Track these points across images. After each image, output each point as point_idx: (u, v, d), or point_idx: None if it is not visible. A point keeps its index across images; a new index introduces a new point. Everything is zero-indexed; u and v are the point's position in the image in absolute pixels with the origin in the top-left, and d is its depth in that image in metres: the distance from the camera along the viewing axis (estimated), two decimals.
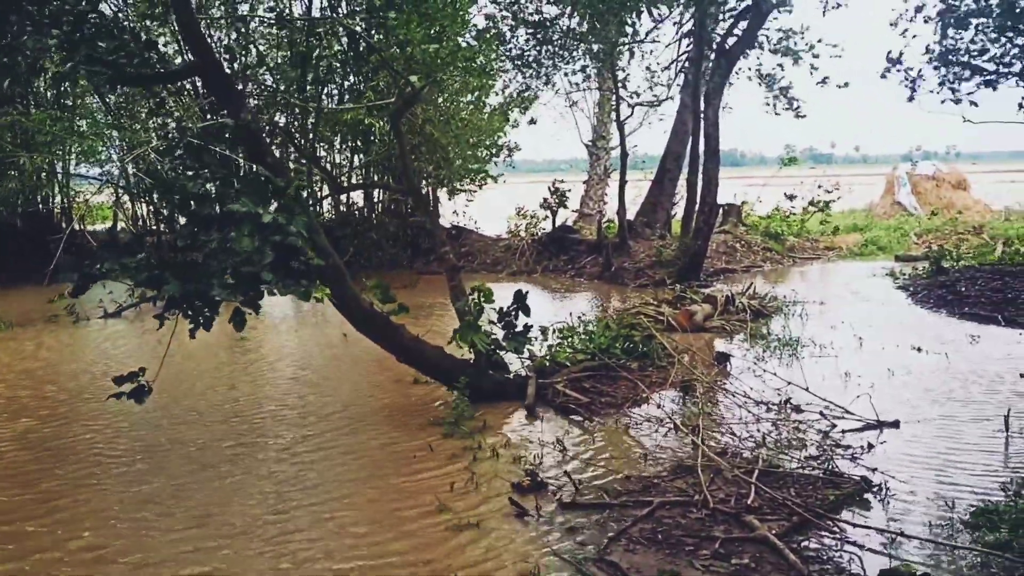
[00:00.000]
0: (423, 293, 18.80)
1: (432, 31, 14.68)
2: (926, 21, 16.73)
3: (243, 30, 21.28)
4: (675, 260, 20.44)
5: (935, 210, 31.34)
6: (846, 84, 20.46)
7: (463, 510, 6.79)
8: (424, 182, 23.77)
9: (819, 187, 27.93)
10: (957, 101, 16.40)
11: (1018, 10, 14.48)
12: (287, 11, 22.52)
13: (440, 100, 22.82)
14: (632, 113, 24.35)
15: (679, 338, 13.25)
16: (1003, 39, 15.18)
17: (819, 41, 20.29)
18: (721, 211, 26.60)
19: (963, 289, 16.61)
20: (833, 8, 18.78)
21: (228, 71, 12.13)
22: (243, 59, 20.98)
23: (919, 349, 12.32)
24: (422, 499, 7.07)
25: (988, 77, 15.41)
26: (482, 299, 10.29)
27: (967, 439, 8.36)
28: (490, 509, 6.82)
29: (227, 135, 8.19)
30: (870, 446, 8.17)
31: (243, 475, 7.78)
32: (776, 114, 21.40)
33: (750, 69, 21.29)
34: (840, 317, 15.00)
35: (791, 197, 27.59)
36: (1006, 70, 15.57)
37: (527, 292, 10.15)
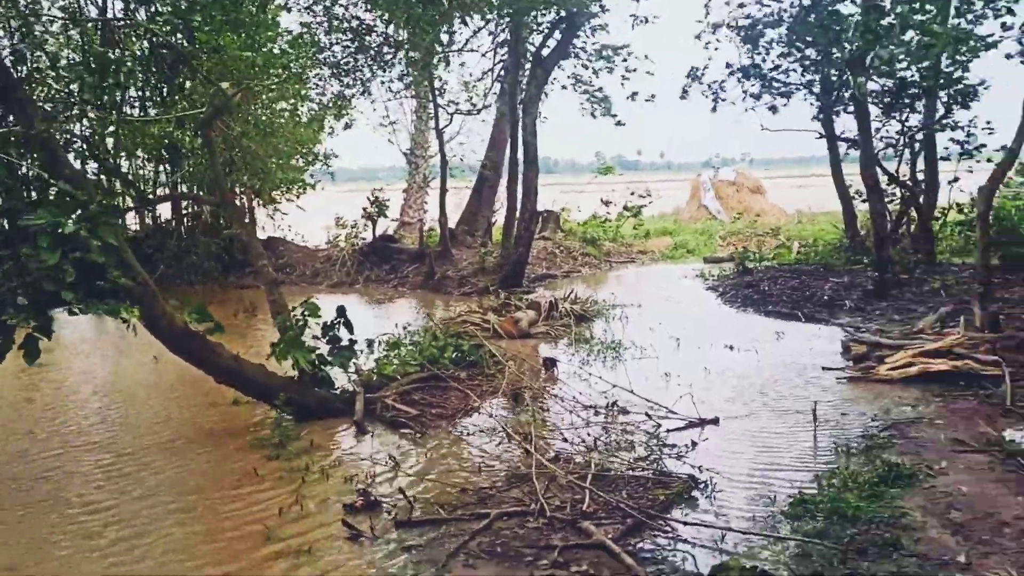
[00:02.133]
0: (241, 307, 17.94)
1: (244, 37, 14.10)
2: (731, 40, 17.77)
3: (31, 30, 19.58)
4: (498, 267, 20.59)
5: (737, 213, 33.27)
6: (652, 97, 21.34)
7: (293, 536, 6.42)
8: (239, 193, 22.80)
9: (632, 193, 29.01)
10: (773, 109, 17.50)
11: (812, 25, 15.55)
12: (81, 12, 20.97)
13: (256, 109, 22.01)
14: (450, 121, 24.37)
15: (506, 345, 13.30)
16: (793, 54, 16.29)
17: (630, 53, 21.01)
18: (540, 218, 27.16)
19: (766, 288, 17.67)
20: (641, 24, 19.47)
21: (15, 74, 11.07)
22: (33, 62, 19.31)
23: (731, 347, 12.93)
24: (248, 527, 6.64)
25: (783, 89, 16.52)
26: (307, 314, 9.88)
27: (781, 431, 8.80)
28: (322, 533, 6.49)
29: (18, 145, 7.42)
30: (694, 444, 8.43)
31: (51, 512, 7.04)
32: (593, 117, 21.98)
33: (569, 77, 21.77)
34: (657, 318, 15.55)
35: (607, 203, 28.51)
36: (797, 83, 16.74)
37: (343, 307, 9.89)
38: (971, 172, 19.20)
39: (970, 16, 17.88)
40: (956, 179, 19.41)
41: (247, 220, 23.84)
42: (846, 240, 21.30)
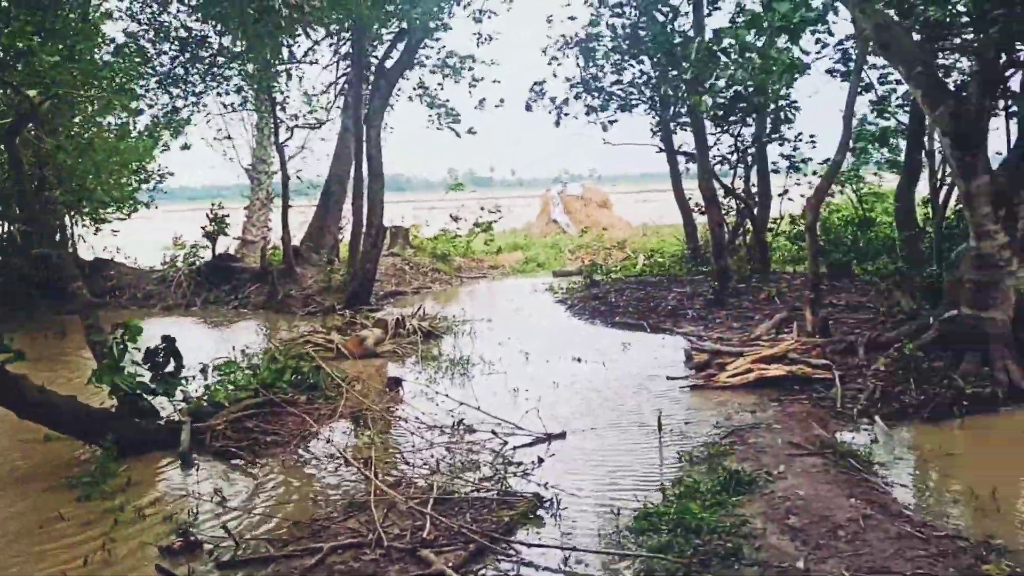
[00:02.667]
0: (65, 337, 16.62)
1: (61, 47, 13.01)
2: (577, 55, 17.94)
3: None
4: (345, 285, 19.99)
5: (585, 227, 33.83)
6: (502, 101, 21.29)
7: None
8: (56, 212, 21.20)
9: (482, 208, 28.98)
10: (608, 125, 17.79)
11: (644, 40, 15.88)
12: None
13: (75, 121, 20.59)
14: (291, 135, 23.54)
15: (350, 366, 12.82)
16: (630, 69, 16.62)
17: (476, 61, 20.95)
18: (389, 234, 26.68)
19: (613, 300, 17.88)
20: (485, 42, 19.44)
21: None
22: None
23: (580, 360, 12.92)
24: None
25: (623, 102, 16.81)
26: (126, 337, 9.12)
27: (627, 443, 8.75)
28: None
29: None
30: (540, 460, 8.25)
31: None
32: (438, 129, 21.78)
33: (414, 89, 21.49)
34: (507, 333, 15.42)
35: (456, 219, 28.35)
36: (636, 98, 17.08)
37: (171, 337, 9.21)
38: (798, 185, 20.17)
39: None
40: (786, 191, 20.33)
41: (59, 239, 22.32)
42: (688, 251, 21.94)
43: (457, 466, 8.18)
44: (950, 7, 10.73)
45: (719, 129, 18.03)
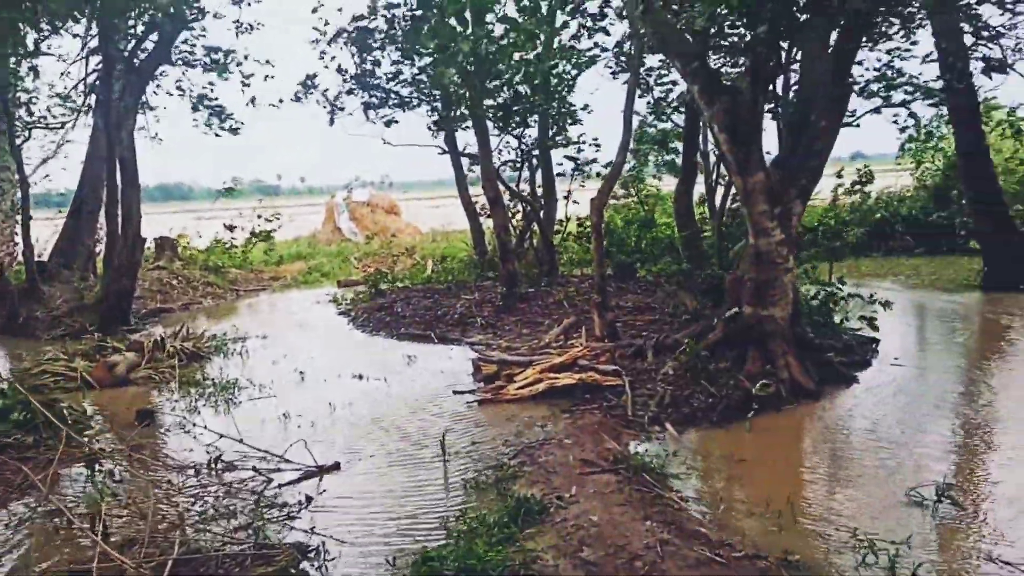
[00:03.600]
0: None
1: None
2: (351, 48, 16.84)
3: None
4: (99, 304, 17.83)
5: (371, 234, 32.74)
6: (281, 101, 19.84)
7: None
8: None
9: (259, 217, 27.22)
10: (390, 123, 16.85)
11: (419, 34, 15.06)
12: None
13: None
14: (28, 137, 20.82)
15: (97, 397, 11.17)
16: (407, 64, 15.79)
17: (246, 57, 19.37)
18: (155, 245, 24.48)
19: (400, 310, 16.97)
20: (246, 32, 17.95)
21: None
22: None
23: (360, 377, 11.92)
24: None
25: (401, 100, 15.95)
26: None
27: (409, 472, 7.88)
28: None
29: None
30: (309, 499, 7.22)
31: None
32: (207, 133, 19.99)
33: (176, 86, 19.59)
34: (283, 350, 14.16)
35: (231, 228, 26.42)
36: (416, 96, 16.28)
37: None
38: (583, 187, 20.16)
39: (568, 35, 18.74)
40: (570, 194, 20.25)
41: None
42: (476, 256, 21.40)
43: (208, 515, 6.97)
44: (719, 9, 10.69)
45: (502, 131, 17.60)
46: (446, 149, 18.12)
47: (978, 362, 11.25)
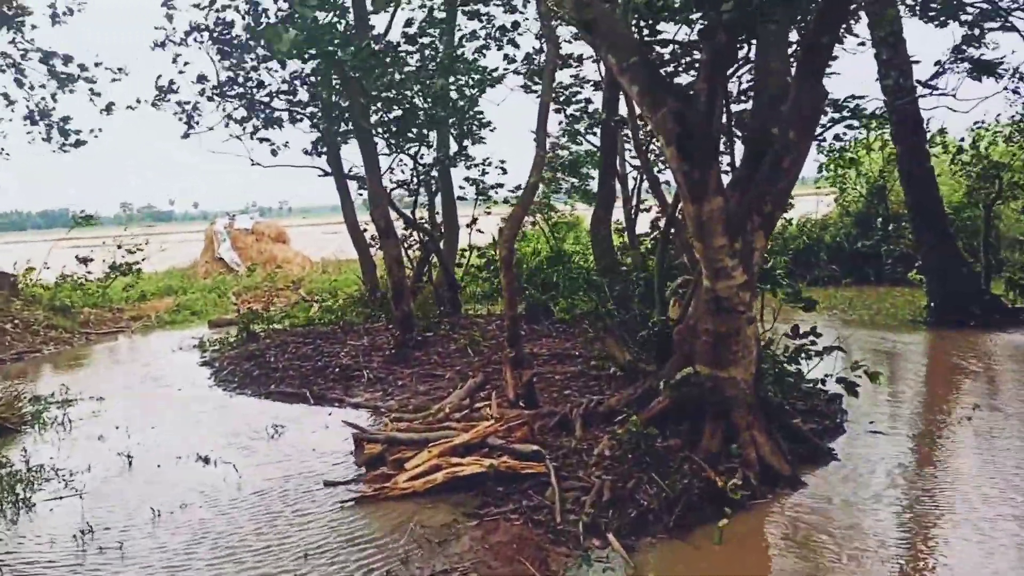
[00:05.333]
0: None
1: None
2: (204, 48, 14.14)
3: None
4: None
5: (253, 265, 29.76)
6: (138, 102, 16.92)
7: None
8: None
9: (119, 247, 23.94)
10: (261, 142, 14.21)
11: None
12: None
13: None
14: None
15: None
16: (273, 71, 13.24)
17: (97, 64, 16.53)
18: None
19: (272, 360, 14.23)
20: (61, 18, 15.04)
21: None
22: None
23: (206, 460, 9.21)
24: None
25: (269, 114, 13.38)
26: None
27: None
28: None
29: None
30: None
31: None
32: (47, 141, 17.00)
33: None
34: (118, 419, 11.30)
35: (85, 260, 23.04)
36: (290, 107, 13.70)
37: None
38: (489, 213, 17.87)
39: (474, 46, 16.57)
40: (475, 220, 17.90)
41: None
42: (367, 293, 18.75)
43: None
44: None
45: (394, 149, 15.15)
46: (327, 171, 15.57)
47: (966, 423, 9.33)
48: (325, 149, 15.50)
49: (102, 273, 23.82)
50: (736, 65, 9.09)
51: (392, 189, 16.08)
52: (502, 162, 17.37)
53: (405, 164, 16.54)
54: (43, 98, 17.53)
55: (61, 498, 8.18)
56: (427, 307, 16.25)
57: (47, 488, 8.50)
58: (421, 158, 16.76)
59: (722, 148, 9.14)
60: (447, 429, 8.62)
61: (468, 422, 8.88)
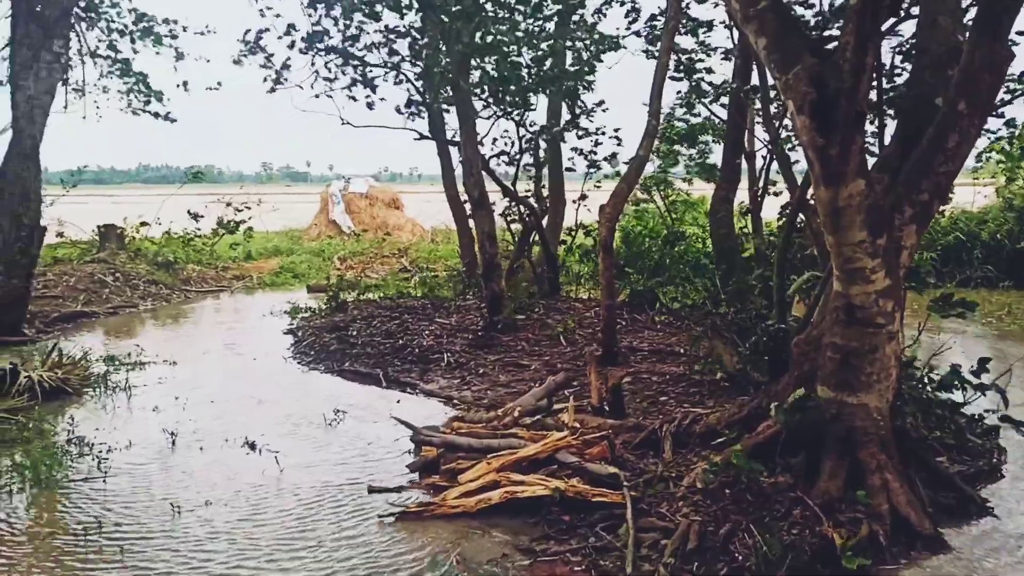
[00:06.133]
0: None
1: None
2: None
3: None
4: None
5: (361, 230, 29.34)
6: (219, 85, 16.49)
7: None
8: None
9: (228, 205, 23.72)
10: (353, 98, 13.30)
11: None
12: None
13: None
14: None
15: None
16: (369, 24, 12.17)
17: (184, 29, 16.01)
18: (99, 234, 21.10)
19: (354, 334, 13.36)
20: None
21: None
22: None
23: (253, 446, 8.32)
24: None
25: (363, 72, 12.40)
26: None
27: None
28: None
29: None
30: None
31: None
32: (135, 113, 16.63)
33: (92, 52, 16.17)
34: (180, 389, 10.63)
35: (196, 216, 22.87)
36: (387, 63, 12.66)
37: None
38: (599, 187, 16.45)
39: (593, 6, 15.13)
40: (583, 196, 16.50)
41: None
42: (464, 267, 17.66)
43: None
44: None
45: (501, 111, 13.87)
46: (423, 134, 14.50)
47: None
48: (423, 111, 14.45)
49: (210, 230, 23.66)
50: (894, 18, 7.37)
51: (491, 157, 14.84)
52: (616, 131, 15.87)
53: (508, 132, 15.28)
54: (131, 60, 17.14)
55: (86, 479, 7.41)
56: (522, 287, 15.03)
57: (77, 467, 7.76)
58: (531, 125, 15.47)
59: (869, 120, 7.50)
60: (513, 437, 7.39)
61: (538, 430, 7.63)
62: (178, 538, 6.15)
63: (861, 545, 5.72)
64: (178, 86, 16.86)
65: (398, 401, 10.13)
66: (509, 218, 16.08)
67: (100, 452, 8.11)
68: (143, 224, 22.72)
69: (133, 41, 16.32)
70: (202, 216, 23.03)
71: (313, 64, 12.79)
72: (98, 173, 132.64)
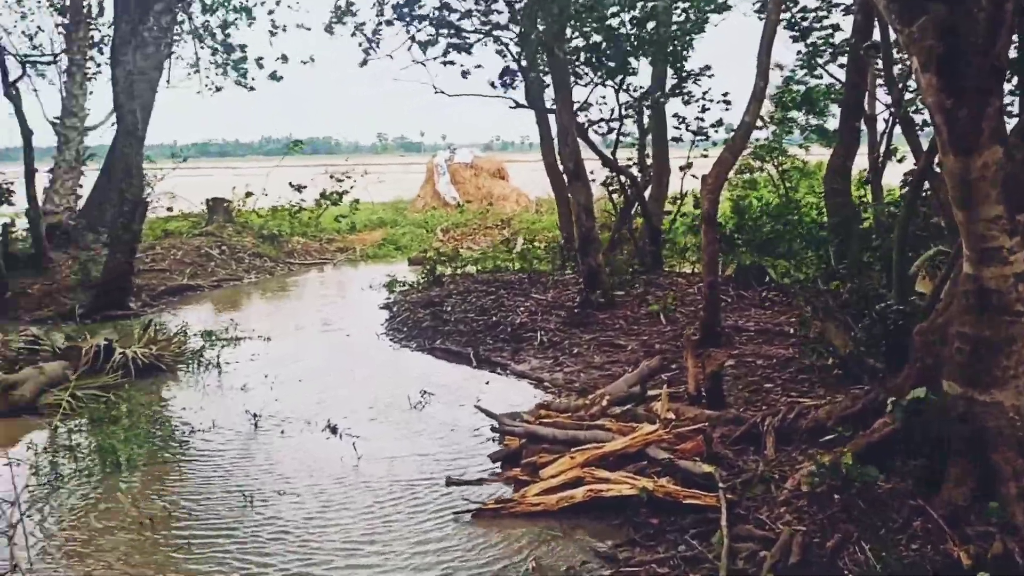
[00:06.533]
0: None
1: None
2: None
3: None
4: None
5: (465, 201, 29.12)
6: (311, 59, 16.40)
7: None
8: None
9: (331, 177, 23.82)
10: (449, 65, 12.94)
11: None
12: None
13: None
14: (23, 75, 17.70)
15: None
16: None
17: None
18: (207, 207, 21.53)
19: (448, 310, 13.07)
20: None
21: None
22: None
23: (334, 430, 8.10)
24: None
25: (460, 39, 11.97)
26: None
27: None
28: None
29: None
30: None
31: None
32: (217, 89, 16.76)
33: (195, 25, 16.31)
34: (271, 365, 10.58)
35: (299, 188, 23.06)
36: (481, 28, 12.18)
37: None
38: (706, 156, 15.59)
39: None
40: (689, 164, 15.67)
41: None
42: (563, 240, 17.11)
43: None
44: None
45: (600, 76, 13.18)
46: (519, 102, 13.95)
47: None
48: (519, 79, 13.90)
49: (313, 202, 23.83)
50: None
51: (588, 126, 14.19)
52: (724, 95, 14.95)
53: (606, 99, 14.60)
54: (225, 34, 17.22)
55: (166, 462, 7.33)
56: (622, 262, 14.41)
57: (158, 449, 7.69)
58: (635, 91, 14.73)
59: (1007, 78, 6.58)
60: (600, 429, 6.90)
61: (627, 422, 7.10)
62: (246, 532, 5.93)
63: (992, 564, 5.01)
64: (277, 59, 16.88)
65: (487, 383, 9.77)
66: (610, 188, 15.41)
67: (183, 434, 8.04)
68: (248, 195, 23.02)
69: (227, 18, 16.41)
70: (305, 187, 23.23)
71: (408, 31, 12.41)
72: (222, 146, 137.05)
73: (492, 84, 13.30)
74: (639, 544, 5.58)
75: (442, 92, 13.61)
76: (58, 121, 25.20)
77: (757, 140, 16.90)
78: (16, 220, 19.09)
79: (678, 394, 8.02)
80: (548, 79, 13.11)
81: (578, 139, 12.46)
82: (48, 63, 19.44)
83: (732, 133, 12.47)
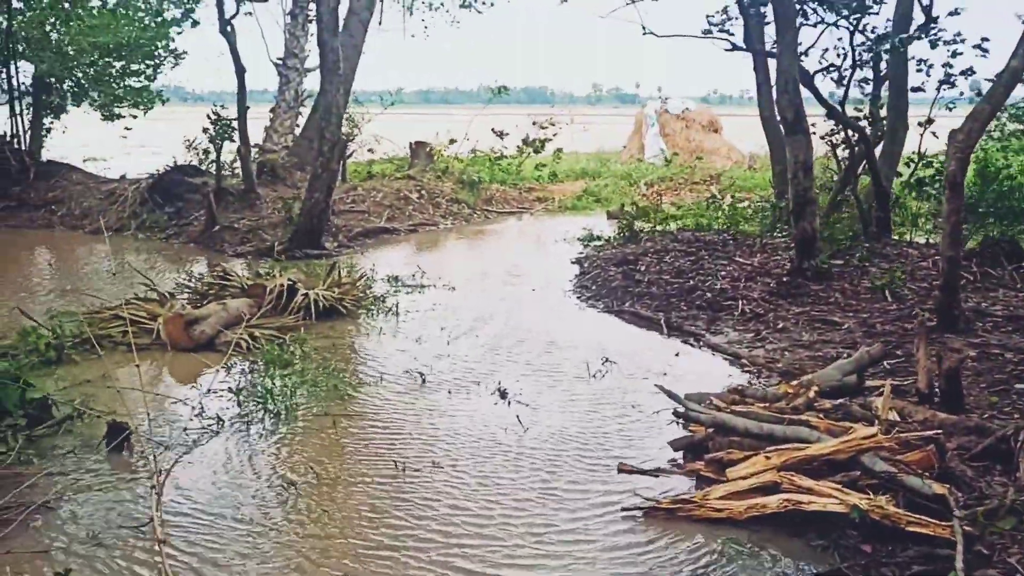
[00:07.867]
0: None
1: None
2: None
3: None
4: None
5: (672, 154, 27.72)
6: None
7: None
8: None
9: (534, 124, 23.22)
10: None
11: None
12: None
13: None
14: (237, 12, 17.91)
15: (151, 366, 8.01)
16: None
17: None
18: (410, 151, 21.57)
19: (642, 270, 12.12)
20: None
21: None
22: None
23: (503, 395, 7.46)
24: None
25: None
26: None
27: None
28: None
29: None
30: None
31: None
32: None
33: None
34: (452, 317, 10.17)
35: (501, 134, 22.64)
36: None
37: None
38: (951, 109, 13.56)
39: None
40: (930, 121, 13.67)
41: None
42: (774, 199, 15.58)
43: None
44: None
45: (822, 18, 11.58)
46: (735, 44, 12.52)
47: None
48: (735, 19, 12.52)
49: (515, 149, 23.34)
50: None
51: (815, 72, 12.58)
52: (984, 40, 12.81)
53: (841, 41, 12.87)
54: None
55: (326, 414, 6.97)
56: (843, 227, 12.83)
57: (319, 400, 7.34)
58: (873, 31, 12.96)
59: None
60: (804, 425, 5.80)
61: (839, 419, 5.96)
62: (396, 505, 5.39)
63: None
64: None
65: (676, 354, 8.81)
66: (834, 143, 13.74)
67: (349, 388, 7.66)
68: (452, 141, 22.86)
69: None
70: (507, 134, 22.78)
71: None
72: (443, 94, 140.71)
73: (706, 29, 12.02)
74: (846, 567, 4.54)
75: (651, 33, 12.52)
76: (280, 62, 26.12)
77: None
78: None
79: (903, 388, 6.76)
80: (770, 15, 11.68)
81: (800, 87, 11.02)
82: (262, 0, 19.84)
83: (988, 83, 10.57)
